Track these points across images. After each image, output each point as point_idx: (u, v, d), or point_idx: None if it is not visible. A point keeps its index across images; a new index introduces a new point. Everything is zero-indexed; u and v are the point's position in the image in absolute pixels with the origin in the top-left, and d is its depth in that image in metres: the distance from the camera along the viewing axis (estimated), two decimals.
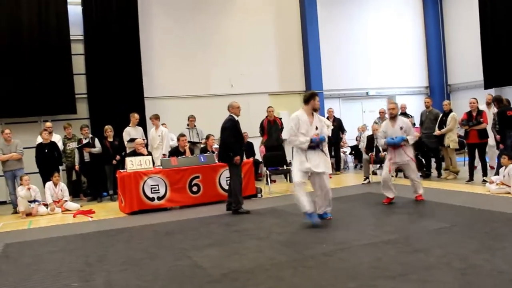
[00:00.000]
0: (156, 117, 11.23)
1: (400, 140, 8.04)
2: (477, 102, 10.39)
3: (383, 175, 8.26)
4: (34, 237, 7.50)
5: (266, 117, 12.31)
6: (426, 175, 11.20)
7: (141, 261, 5.62)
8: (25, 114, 11.71)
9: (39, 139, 10.59)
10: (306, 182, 7.06)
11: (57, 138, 11.01)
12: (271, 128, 12.17)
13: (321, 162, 7.05)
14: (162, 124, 11.74)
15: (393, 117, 8.25)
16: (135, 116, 10.95)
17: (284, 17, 15.39)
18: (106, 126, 11.01)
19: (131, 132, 10.89)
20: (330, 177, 11.93)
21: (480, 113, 10.24)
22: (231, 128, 8.49)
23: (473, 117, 10.24)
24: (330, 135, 11.61)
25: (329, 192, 7.15)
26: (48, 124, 10.93)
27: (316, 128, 7.03)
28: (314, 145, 6.95)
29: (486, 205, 7.47)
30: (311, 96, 7.14)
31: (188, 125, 12.03)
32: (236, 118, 8.60)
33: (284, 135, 10.82)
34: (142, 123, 12.08)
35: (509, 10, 14.06)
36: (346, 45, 16.20)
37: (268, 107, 12.45)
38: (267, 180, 11.02)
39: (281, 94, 15.18)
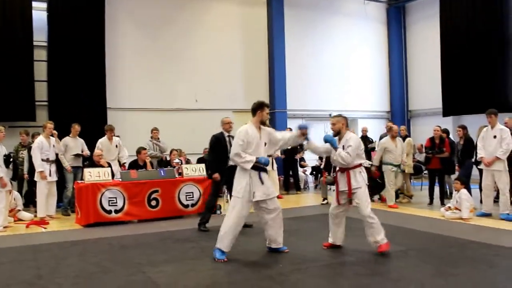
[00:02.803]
0: (111, 128, 10.96)
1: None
2: (440, 130, 10.72)
3: (330, 209, 6.65)
4: None
5: None
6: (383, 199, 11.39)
7: (94, 275, 5.49)
8: None
9: None
10: None
11: None
12: None
13: (271, 184, 6.38)
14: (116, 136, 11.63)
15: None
16: (75, 127, 10.54)
17: (252, 36, 15.51)
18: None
19: (70, 143, 10.48)
20: (280, 197, 12.06)
21: (442, 141, 10.57)
22: (211, 145, 8.44)
23: (436, 145, 10.57)
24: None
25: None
26: None
27: (265, 144, 6.18)
28: (260, 166, 5.99)
29: (441, 230, 7.65)
30: (259, 106, 6.22)
31: (151, 137, 11.90)
32: (225, 134, 8.37)
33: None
34: (103, 134, 11.87)
35: (469, 41, 14.59)
36: (311, 67, 16.43)
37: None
38: (227, 197, 10.98)
39: (245, 111, 15.13)
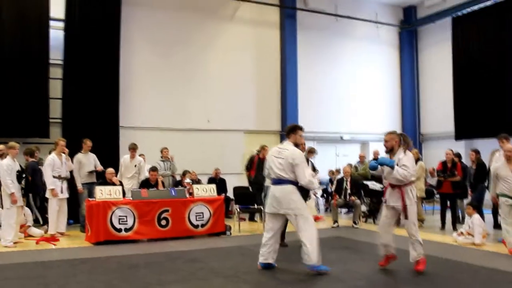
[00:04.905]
0: (133, 147, 11.08)
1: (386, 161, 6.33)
2: (452, 153, 10.66)
3: (379, 223, 6.77)
4: None
5: (257, 154, 12.23)
6: (396, 222, 11.27)
7: None
8: None
9: None
10: None
11: None
12: (260, 165, 12.13)
13: None
14: (140, 155, 11.66)
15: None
16: (87, 143, 10.57)
17: (265, 58, 15.64)
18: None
19: (82, 159, 10.51)
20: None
21: (455, 165, 10.50)
22: None
23: (448, 168, 10.49)
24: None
25: None
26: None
27: None
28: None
29: (453, 255, 7.54)
30: (294, 129, 6.54)
31: (162, 156, 11.96)
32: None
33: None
34: (116, 152, 11.96)
35: (482, 65, 14.62)
36: (323, 89, 16.50)
37: (264, 146, 12.36)
38: (241, 218, 11.05)
39: (256, 132, 15.27)
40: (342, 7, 16.66)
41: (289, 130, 6.54)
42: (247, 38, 15.43)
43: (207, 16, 14.77)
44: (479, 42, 14.88)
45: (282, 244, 7.68)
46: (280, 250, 6.74)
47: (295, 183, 6.29)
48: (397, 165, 6.20)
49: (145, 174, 11.13)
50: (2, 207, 8.83)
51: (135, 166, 11.02)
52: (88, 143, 10.57)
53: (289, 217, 6.38)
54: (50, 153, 10.64)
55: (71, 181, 10.29)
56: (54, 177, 9.60)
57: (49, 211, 9.64)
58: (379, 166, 6.42)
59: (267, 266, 6.52)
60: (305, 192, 7.60)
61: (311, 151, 10.23)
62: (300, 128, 6.53)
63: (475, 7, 15.16)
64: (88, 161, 10.52)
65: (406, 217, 6.29)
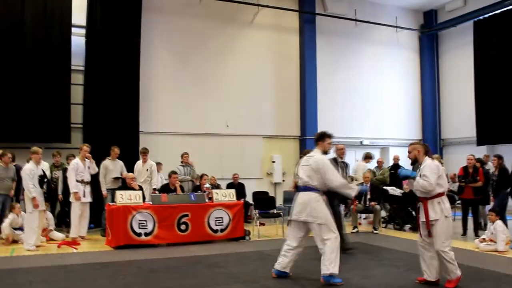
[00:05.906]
0: (144, 151, 11.23)
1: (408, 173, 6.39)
2: (474, 159, 10.53)
3: (418, 241, 6.20)
4: (16, 265, 7.35)
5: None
6: (415, 228, 11.16)
7: None
8: (18, 140, 11.61)
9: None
10: None
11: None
12: None
13: None
14: (158, 164, 11.73)
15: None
16: (115, 150, 10.82)
17: (284, 63, 15.63)
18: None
19: (109, 166, 10.73)
20: None
21: (476, 170, 10.36)
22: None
23: (469, 174, 10.37)
24: None
25: None
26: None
27: None
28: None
29: (474, 262, 7.43)
30: (322, 136, 6.43)
31: (182, 161, 12.01)
32: (339, 159, 8.58)
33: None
34: (135, 157, 12.05)
35: (504, 69, 14.43)
36: (342, 94, 16.43)
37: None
38: (260, 223, 11.02)
39: (275, 137, 15.27)
40: (362, 11, 16.60)
41: (317, 137, 6.47)
42: (266, 43, 15.43)
43: (226, 22, 14.83)
44: (501, 46, 14.69)
45: (347, 249, 7.86)
46: (303, 254, 6.65)
47: (320, 191, 6.23)
48: (420, 175, 5.92)
49: (158, 178, 11.24)
50: (25, 211, 8.96)
51: (147, 170, 11.13)
52: (116, 150, 10.80)
53: (310, 226, 6.23)
54: (67, 158, 10.84)
55: (94, 186, 10.42)
56: (77, 181, 9.73)
57: (71, 215, 9.76)
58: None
59: (282, 275, 6.40)
60: (342, 197, 7.63)
61: (368, 156, 10.04)
62: (329, 136, 6.43)
63: (497, 11, 14.99)
64: (115, 167, 10.73)
65: (429, 235, 5.88)
